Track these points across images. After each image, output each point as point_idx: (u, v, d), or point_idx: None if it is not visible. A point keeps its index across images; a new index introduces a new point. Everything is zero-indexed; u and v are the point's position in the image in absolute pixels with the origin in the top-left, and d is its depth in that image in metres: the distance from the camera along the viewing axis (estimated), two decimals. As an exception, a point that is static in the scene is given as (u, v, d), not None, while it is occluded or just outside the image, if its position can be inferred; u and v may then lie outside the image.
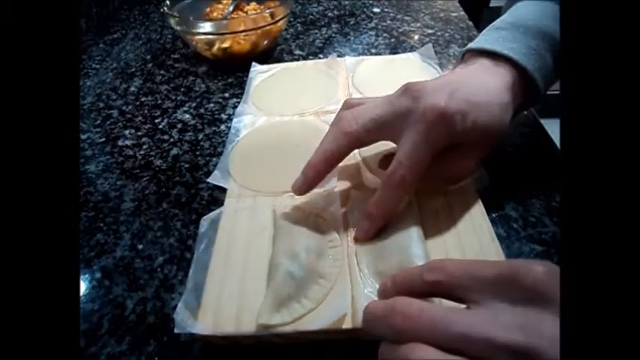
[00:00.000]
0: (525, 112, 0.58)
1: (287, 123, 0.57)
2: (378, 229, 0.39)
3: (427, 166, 0.37)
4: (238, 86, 0.69)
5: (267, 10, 0.73)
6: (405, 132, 0.37)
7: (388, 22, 0.87)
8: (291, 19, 0.90)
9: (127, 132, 0.62)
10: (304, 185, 0.41)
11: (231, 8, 0.77)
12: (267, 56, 0.77)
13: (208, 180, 0.49)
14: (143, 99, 0.70)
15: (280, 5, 0.75)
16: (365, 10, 0.93)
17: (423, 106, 0.37)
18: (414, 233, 0.39)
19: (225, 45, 0.72)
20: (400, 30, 0.83)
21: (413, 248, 0.37)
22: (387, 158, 0.41)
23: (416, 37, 0.81)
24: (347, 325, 0.34)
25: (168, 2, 0.74)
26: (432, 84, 0.38)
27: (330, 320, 0.33)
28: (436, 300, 0.29)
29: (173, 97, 0.69)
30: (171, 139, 0.59)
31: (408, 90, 0.38)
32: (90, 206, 0.50)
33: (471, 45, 0.44)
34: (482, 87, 0.39)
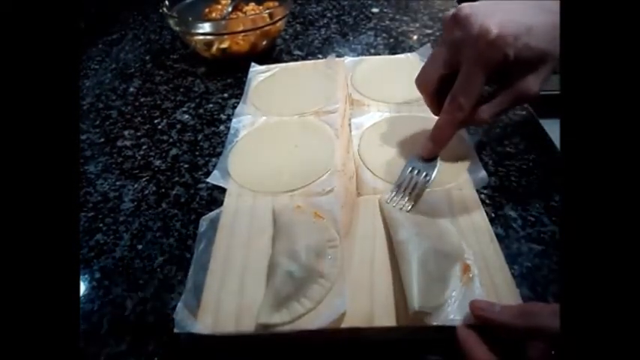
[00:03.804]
0: (525, 112, 0.58)
1: (286, 123, 0.57)
2: (440, 149, 0.45)
3: (481, 89, 0.39)
4: (237, 86, 0.69)
5: (266, 11, 0.73)
6: (461, 62, 0.39)
7: (387, 22, 0.87)
8: (290, 20, 0.90)
9: (126, 132, 0.62)
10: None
11: (230, 9, 0.77)
12: (266, 56, 0.77)
13: (208, 180, 0.49)
14: (142, 99, 0.69)
15: (279, 6, 0.76)
16: (364, 10, 0.93)
17: (474, 33, 0.37)
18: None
19: (224, 45, 0.72)
20: (399, 30, 0.84)
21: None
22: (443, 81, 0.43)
23: (415, 37, 0.81)
24: (348, 324, 0.34)
25: (167, 3, 0.74)
26: (481, 8, 0.38)
27: (330, 320, 0.33)
28: None
29: (172, 98, 0.69)
30: (171, 140, 0.59)
31: (457, 18, 0.39)
32: (89, 206, 0.50)
33: None
34: (533, 8, 0.39)
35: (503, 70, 0.38)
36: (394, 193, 0.44)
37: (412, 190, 0.44)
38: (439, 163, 0.46)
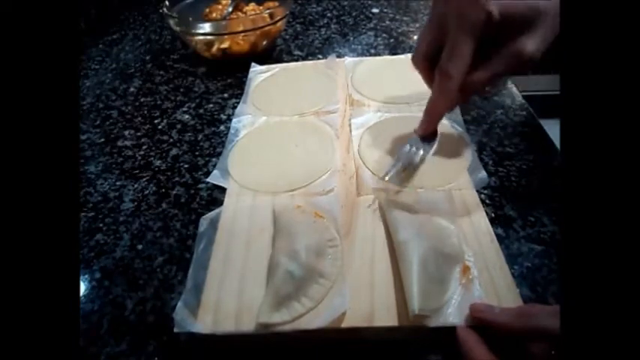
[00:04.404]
0: (525, 113, 0.58)
1: (286, 123, 0.57)
2: (435, 124, 0.44)
3: (469, 56, 0.37)
4: (237, 87, 0.69)
5: (266, 11, 0.73)
6: (448, 30, 0.38)
7: (387, 22, 0.87)
8: (290, 20, 0.90)
9: (126, 132, 0.62)
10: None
11: (230, 9, 0.77)
12: (267, 57, 0.77)
13: (208, 180, 0.49)
14: (142, 99, 0.70)
15: (279, 6, 0.76)
16: (364, 10, 0.93)
17: (452, 1, 0.36)
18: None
19: (225, 45, 0.72)
20: (399, 30, 0.84)
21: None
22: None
23: (415, 37, 0.81)
24: (348, 323, 0.34)
25: (167, 3, 0.74)
26: None
27: (330, 319, 0.33)
28: None
29: (172, 98, 0.69)
30: (171, 140, 0.59)
31: None
32: (90, 207, 0.50)
33: None
34: None
35: (494, 32, 0.36)
36: (391, 168, 0.45)
37: (408, 165, 0.45)
38: (437, 142, 0.46)
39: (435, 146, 0.45)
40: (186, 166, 0.54)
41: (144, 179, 0.53)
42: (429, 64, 0.42)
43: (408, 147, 0.46)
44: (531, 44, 0.37)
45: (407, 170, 0.44)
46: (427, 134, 0.46)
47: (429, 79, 0.43)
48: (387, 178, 0.44)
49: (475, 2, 0.35)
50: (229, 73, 0.73)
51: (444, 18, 0.38)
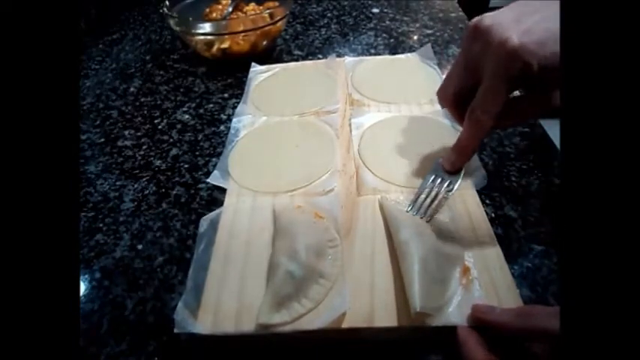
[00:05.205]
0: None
1: (286, 123, 0.57)
2: (464, 162, 0.43)
3: (502, 103, 0.36)
4: (238, 87, 0.69)
5: (267, 11, 0.73)
6: (481, 75, 0.37)
7: (387, 22, 0.87)
8: (291, 20, 0.90)
9: (126, 132, 0.62)
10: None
11: (230, 9, 0.77)
12: (267, 56, 0.77)
13: (208, 180, 0.49)
14: (142, 99, 0.70)
15: (279, 6, 0.76)
16: (364, 10, 0.93)
17: (494, 44, 0.34)
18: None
19: (225, 45, 0.72)
20: (399, 30, 0.84)
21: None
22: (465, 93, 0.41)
23: (415, 37, 0.81)
24: (349, 324, 0.34)
25: (167, 3, 0.74)
26: (505, 16, 0.35)
27: (330, 320, 0.33)
28: None
29: (172, 98, 0.69)
30: (171, 140, 0.59)
31: (477, 30, 0.36)
32: (90, 206, 0.50)
33: None
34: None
35: (531, 82, 0.35)
36: (414, 201, 0.43)
37: (433, 199, 0.43)
38: (463, 172, 0.44)
39: (460, 178, 0.44)
40: (186, 166, 0.54)
41: (144, 179, 0.53)
42: (457, 102, 0.42)
43: (431, 178, 0.44)
44: None
45: (431, 205, 0.42)
46: (454, 170, 0.44)
47: (457, 116, 0.43)
48: (409, 209, 0.43)
49: (514, 53, 0.33)
50: (229, 73, 0.73)
51: (478, 62, 0.37)
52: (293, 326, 0.33)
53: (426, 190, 0.44)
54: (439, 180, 0.44)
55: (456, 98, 0.41)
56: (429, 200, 0.43)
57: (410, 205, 0.43)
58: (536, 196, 0.46)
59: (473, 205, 0.43)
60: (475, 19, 0.37)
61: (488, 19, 0.35)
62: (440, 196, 0.43)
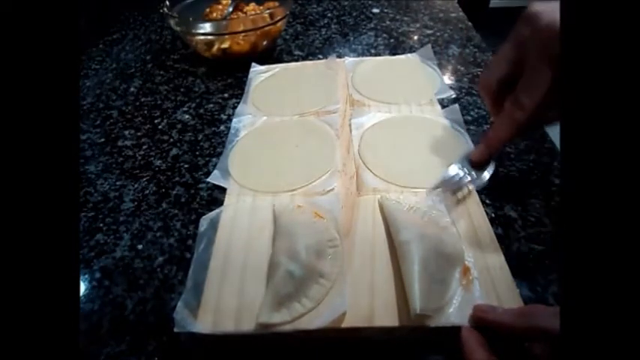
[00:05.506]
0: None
1: (286, 123, 0.57)
2: (493, 154, 0.43)
3: (546, 87, 0.35)
4: (238, 87, 0.69)
5: (267, 11, 0.73)
6: (527, 59, 0.36)
7: (387, 22, 0.87)
8: (291, 20, 0.90)
9: (126, 132, 0.62)
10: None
11: (230, 9, 0.77)
12: (267, 57, 0.77)
13: (208, 180, 0.49)
14: (143, 99, 0.70)
15: (280, 6, 0.76)
16: (364, 10, 0.93)
17: (541, 28, 0.34)
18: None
19: (225, 45, 0.72)
20: (399, 30, 0.84)
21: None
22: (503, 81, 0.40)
23: (415, 37, 0.81)
24: (349, 323, 0.34)
25: (167, 3, 0.74)
26: (554, 4, 0.34)
27: (330, 319, 0.33)
28: None
29: (173, 98, 0.69)
30: (171, 140, 0.59)
31: (526, 15, 0.36)
32: (90, 206, 0.50)
33: None
34: None
35: None
36: (436, 190, 0.43)
37: (457, 190, 0.43)
38: (492, 170, 0.43)
39: (488, 176, 0.43)
40: (186, 166, 0.54)
41: (144, 179, 0.53)
42: (498, 90, 0.41)
43: (456, 168, 0.44)
44: None
45: (454, 195, 0.42)
46: (481, 162, 0.44)
47: (494, 105, 0.42)
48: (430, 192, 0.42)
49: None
50: (229, 73, 0.73)
51: (523, 44, 0.37)
52: (293, 326, 0.33)
53: (449, 182, 0.43)
54: (463, 172, 0.44)
55: (499, 86, 0.41)
56: (452, 190, 0.43)
57: (431, 192, 0.43)
58: (536, 196, 0.46)
59: (473, 205, 0.43)
60: (529, 7, 0.37)
61: (537, 5, 0.36)
62: (464, 189, 0.43)
